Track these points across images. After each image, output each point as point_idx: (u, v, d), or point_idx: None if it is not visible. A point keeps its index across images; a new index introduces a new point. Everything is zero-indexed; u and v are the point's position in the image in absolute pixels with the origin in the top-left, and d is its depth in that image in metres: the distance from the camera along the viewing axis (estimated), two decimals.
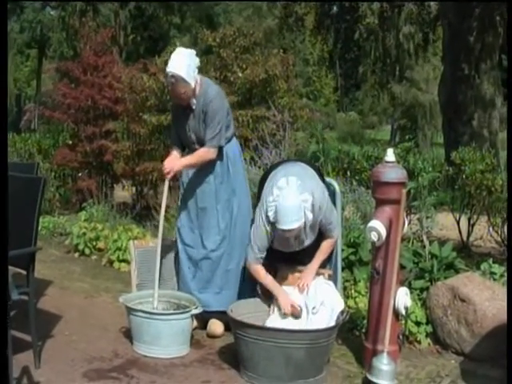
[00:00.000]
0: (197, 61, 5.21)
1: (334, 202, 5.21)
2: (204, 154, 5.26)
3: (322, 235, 5.00)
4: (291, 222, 4.59)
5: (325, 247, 5.01)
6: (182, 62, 5.09)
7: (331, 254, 5.15)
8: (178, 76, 5.04)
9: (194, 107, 5.25)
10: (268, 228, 4.83)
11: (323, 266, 5.09)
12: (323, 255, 5.03)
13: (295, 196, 4.64)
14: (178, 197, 5.90)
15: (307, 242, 4.97)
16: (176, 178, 5.79)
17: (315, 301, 4.82)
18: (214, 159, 5.31)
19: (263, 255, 4.94)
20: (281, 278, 5.01)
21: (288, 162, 5.51)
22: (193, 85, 5.15)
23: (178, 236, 5.54)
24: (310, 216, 4.71)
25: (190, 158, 5.37)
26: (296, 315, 4.85)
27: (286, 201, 4.62)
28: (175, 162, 5.36)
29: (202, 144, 5.30)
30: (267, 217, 4.77)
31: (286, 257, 5.07)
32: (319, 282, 4.93)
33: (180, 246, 5.51)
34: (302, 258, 5.07)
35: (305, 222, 4.71)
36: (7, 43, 3.73)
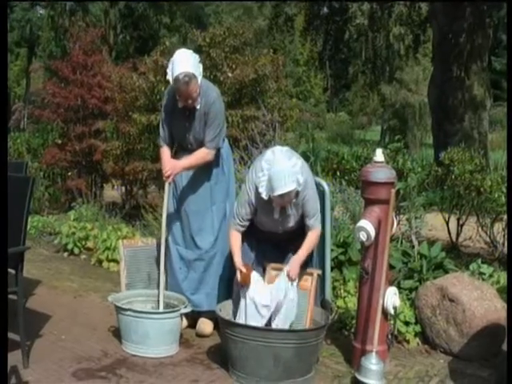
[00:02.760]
0: (197, 56, 5.19)
1: (323, 203, 5.21)
2: (204, 155, 5.24)
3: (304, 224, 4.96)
4: (286, 184, 4.53)
5: (311, 237, 4.91)
6: (189, 60, 5.05)
7: (312, 254, 5.11)
8: (191, 74, 4.97)
9: (198, 107, 5.20)
10: (252, 198, 4.82)
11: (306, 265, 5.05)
12: (310, 245, 4.91)
13: (284, 161, 4.61)
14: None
15: (291, 222, 4.92)
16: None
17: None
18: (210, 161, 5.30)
19: (244, 224, 4.92)
20: (269, 278, 5.00)
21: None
22: (200, 81, 5.12)
23: (170, 236, 5.51)
24: (301, 179, 4.65)
25: (190, 160, 5.30)
26: (245, 280, 4.78)
27: (277, 167, 4.59)
28: (175, 164, 5.28)
29: (199, 145, 5.27)
30: (257, 192, 4.75)
31: (272, 242, 5.05)
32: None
33: (172, 245, 5.48)
34: (287, 245, 5.03)
35: (297, 190, 4.67)
36: (7, 44, 3.73)
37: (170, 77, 5.06)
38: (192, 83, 5.00)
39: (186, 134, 5.30)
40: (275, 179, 4.55)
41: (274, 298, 4.70)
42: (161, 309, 5.18)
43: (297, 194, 4.72)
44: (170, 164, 5.26)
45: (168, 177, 5.22)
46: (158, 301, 5.23)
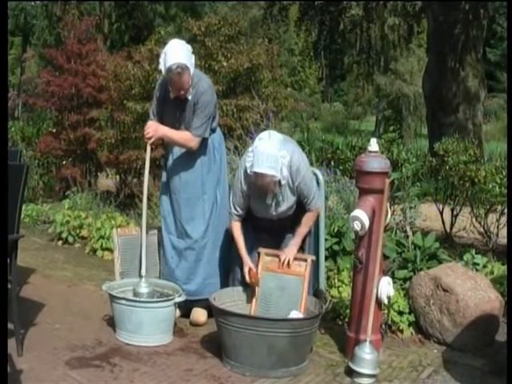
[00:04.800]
0: (190, 47, 5.19)
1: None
2: (188, 138, 5.22)
3: (302, 208, 4.99)
4: (265, 166, 4.57)
5: (306, 220, 4.96)
6: (181, 51, 5.05)
7: (304, 241, 5.14)
8: (184, 65, 4.97)
9: (189, 98, 5.20)
10: (244, 185, 4.87)
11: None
12: (305, 228, 4.98)
13: (274, 147, 4.64)
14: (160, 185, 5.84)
15: (284, 206, 4.95)
16: (159, 165, 5.74)
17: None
18: (199, 149, 5.30)
19: (242, 213, 4.99)
20: (263, 263, 5.01)
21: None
22: (192, 72, 5.12)
23: (163, 224, 5.52)
24: (286, 173, 4.70)
25: (174, 133, 5.28)
26: (254, 279, 4.87)
27: (264, 147, 4.63)
28: (159, 126, 5.26)
29: None
30: (245, 171, 4.79)
31: (266, 228, 5.07)
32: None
33: (165, 234, 5.49)
34: (282, 232, 5.08)
35: (280, 181, 4.71)
36: (7, 41, 3.72)
37: (162, 67, 5.07)
38: (185, 74, 5.02)
39: (176, 124, 5.31)
40: (257, 156, 4.62)
41: None
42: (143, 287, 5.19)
43: (280, 184, 4.75)
44: (152, 126, 5.24)
45: (149, 138, 5.20)
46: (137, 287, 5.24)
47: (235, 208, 4.97)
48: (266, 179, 4.65)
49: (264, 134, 4.78)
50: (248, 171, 4.76)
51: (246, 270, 4.89)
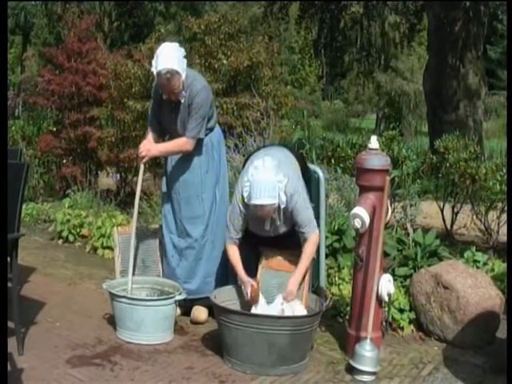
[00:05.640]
0: (183, 51, 5.20)
1: (318, 190, 5.21)
2: (182, 143, 5.25)
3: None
4: (263, 197, 4.54)
5: (307, 250, 4.83)
6: (172, 56, 5.06)
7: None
8: (173, 70, 5.00)
9: (182, 100, 5.22)
10: (243, 209, 4.82)
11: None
12: (307, 258, 4.84)
13: (270, 174, 4.61)
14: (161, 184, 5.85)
15: (282, 229, 4.93)
16: (159, 164, 5.75)
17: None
18: (198, 149, 5.31)
19: (239, 236, 4.93)
20: (264, 259, 5.00)
21: (272, 146, 5.53)
22: (184, 76, 5.13)
23: (164, 223, 5.53)
24: (284, 198, 4.67)
25: (167, 145, 5.38)
26: (254, 299, 4.79)
27: (261, 176, 4.60)
28: (152, 146, 5.34)
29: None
30: (242, 197, 4.76)
31: (266, 241, 5.05)
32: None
33: (166, 233, 5.51)
34: (282, 242, 5.02)
35: (279, 205, 4.68)
36: (7, 41, 3.72)
37: (154, 70, 5.10)
38: (174, 79, 5.05)
39: (172, 125, 5.35)
40: (254, 187, 4.58)
41: None
42: (129, 289, 5.20)
43: (278, 209, 4.74)
44: (146, 146, 5.32)
45: (142, 157, 5.28)
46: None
47: (232, 230, 4.92)
48: (266, 208, 4.64)
49: (258, 162, 4.73)
50: (246, 201, 4.72)
51: (248, 290, 4.79)
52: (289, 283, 4.79)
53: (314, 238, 4.85)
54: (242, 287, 4.87)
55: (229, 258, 4.99)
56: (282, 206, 4.73)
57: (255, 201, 4.58)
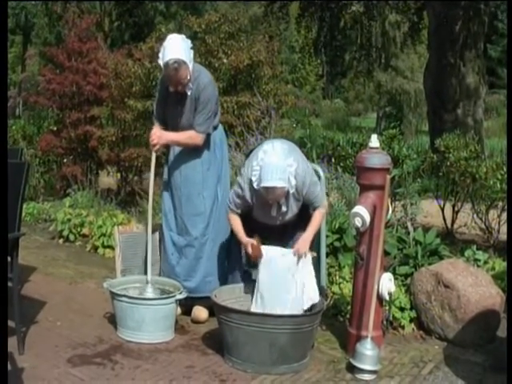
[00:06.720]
0: (189, 42, 5.19)
1: None
2: (193, 136, 5.23)
3: (305, 210, 4.96)
4: (274, 179, 4.52)
5: (317, 217, 4.91)
6: (179, 46, 5.05)
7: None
8: (180, 60, 4.98)
9: (189, 93, 5.20)
10: (247, 192, 4.83)
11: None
12: (316, 225, 4.92)
13: (280, 158, 4.62)
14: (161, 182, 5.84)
15: (288, 215, 4.93)
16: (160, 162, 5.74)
17: (299, 275, 4.79)
18: (201, 146, 5.30)
19: (239, 211, 4.97)
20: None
21: (275, 139, 5.54)
22: (191, 67, 5.12)
23: (164, 221, 5.53)
24: (294, 182, 4.67)
25: (179, 135, 5.31)
26: (257, 256, 4.80)
27: (271, 159, 4.60)
28: (162, 133, 5.30)
29: (191, 129, 5.28)
30: (250, 181, 4.75)
31: (268, 230, 5.02)
32: (308, 262, 4.84)
33: (165, 231, 5.50)
34: (284, 232, 5.03)
35: (288, 190, 4.68)
36: (7, 40, 3.72)
37: (160, 61, 5.08)
38: (181, 69, 5.02)
39: (178, 119, 5.32)
40: (265, 171, 4.56)
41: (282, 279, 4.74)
42: (149, 292, 5.20)
43: (287, 195, 4.73)
44: (157, 133, 5.28)
45: (154, 145, 5.23)
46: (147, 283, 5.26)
47: (233, 205, 4.95)
48: (277, 191, 4.61)
49: (268, 146, 4.75)
50: (255, 186, 4.72)
51: (248, 249, 4.81)
52: (301, 237, 4.84)
53: (323, 211, 5.00)
54: (244, 250, 4.96)
55: (231, 224, 5.04)
56: (291, 191, 4.72)
57: (266, 183, 4.55)
